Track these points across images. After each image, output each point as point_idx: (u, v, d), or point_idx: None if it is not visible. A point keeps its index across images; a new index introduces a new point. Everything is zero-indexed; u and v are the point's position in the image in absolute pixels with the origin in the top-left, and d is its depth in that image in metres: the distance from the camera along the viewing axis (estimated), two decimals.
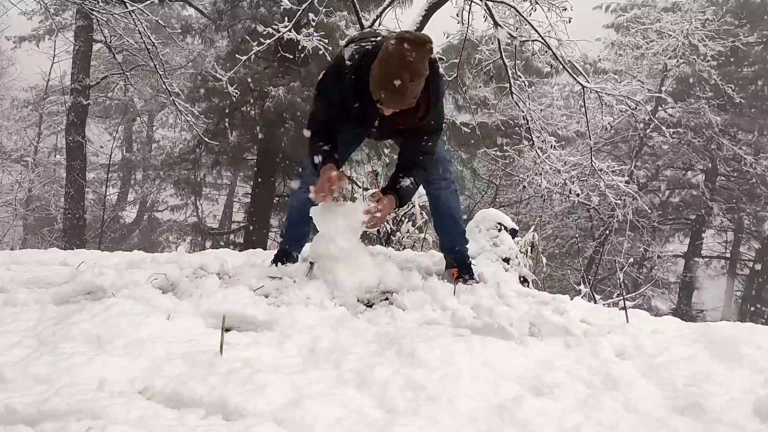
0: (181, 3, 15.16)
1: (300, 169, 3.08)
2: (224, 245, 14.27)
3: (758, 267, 18.55)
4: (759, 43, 17.05)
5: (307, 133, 2.70)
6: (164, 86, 8.35)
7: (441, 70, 2.61)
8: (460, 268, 3.04)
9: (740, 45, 16.07)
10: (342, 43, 2.97)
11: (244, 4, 13.80)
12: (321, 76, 2.66)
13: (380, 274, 2.74)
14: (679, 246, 19.71)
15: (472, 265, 3.11)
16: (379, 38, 2.65)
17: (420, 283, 2.78)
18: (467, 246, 3.15)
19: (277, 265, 2.93)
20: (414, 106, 2.48)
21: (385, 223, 5.41)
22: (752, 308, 18.18)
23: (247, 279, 2.67)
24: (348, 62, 2.54)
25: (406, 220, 5.49)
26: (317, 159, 2.61)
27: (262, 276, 2.74)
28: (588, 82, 7.79)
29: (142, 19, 7.54)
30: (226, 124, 13.80)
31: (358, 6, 6.89)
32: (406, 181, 2.69)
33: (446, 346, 1.97)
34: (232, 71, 8.15)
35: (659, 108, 16.37)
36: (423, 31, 7.37)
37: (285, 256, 3.04)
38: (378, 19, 7.31)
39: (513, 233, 3.73)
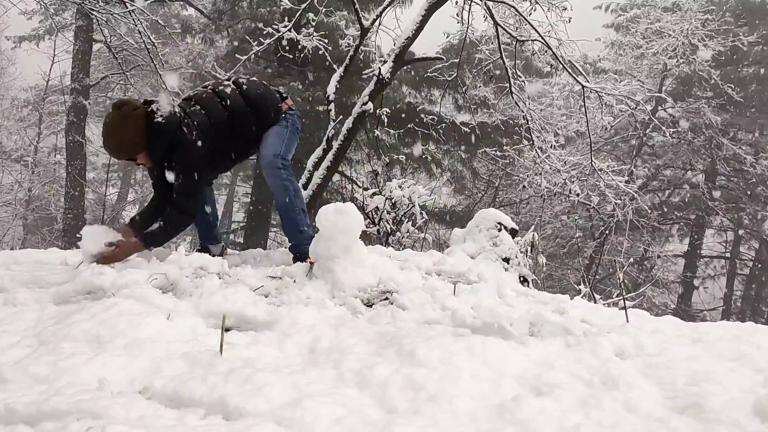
0: (181, 3, 15.15)
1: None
2: (224, 245, 14.23)
3: (758, 267, 18.55)
4: (759, 43, 17.04)
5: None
6: (164, 86, 8.34)
7: (162, 119, 2.92)
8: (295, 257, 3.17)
9: (740, 45, 16.06)
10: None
11: (244, 4, 13.79)
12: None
13: (380, 274, 2.74)
14: (679, 246, 19.70)
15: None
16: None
17: (420, 283, 2.78)
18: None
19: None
20: (137, 158, 2.95)
21: (385, 223, 5.41)
22: (752, 308, 18.17)
23: (247, 279, 2.67)
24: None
25: (406, 220, 5.49)
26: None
27: (262, 276, 2.74)
28: (588, 81, 7.79)
29: (142, 19, 7.53)
30: None
31: (358, 6, 6.88)
32: (155, 226, 3.02)
33: (446, 346, 1.97)
34: (232, 71, 8.14)
35: (659, 108, 16.36)
36: (423, 31, 7.37)
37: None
38: (378, 19, 7.30)
39: (513, 233, 3.73)
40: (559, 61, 7.32)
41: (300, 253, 3.09)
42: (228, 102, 3.11)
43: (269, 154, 3.16)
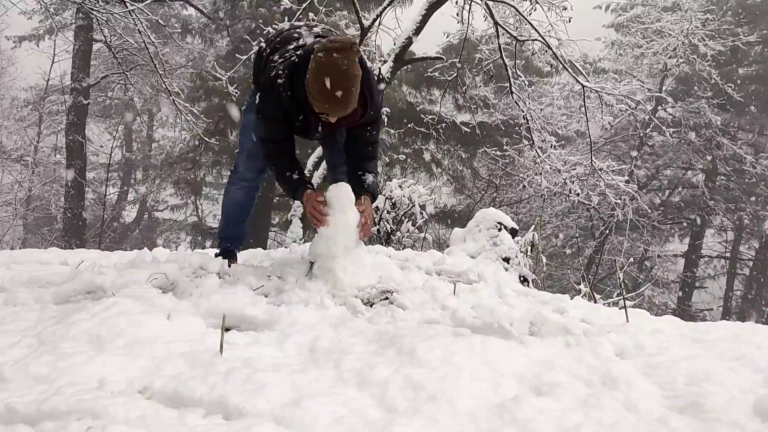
0: (181, 3, 15.16)
1: (233, 169, 3.09)
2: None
3: (758, 266, 18.55)
4: (759, 42, 17.03)
5: (266, 155, 2.73)
6: (164, 86, 8.34)
7: (367, 63, 2.61)
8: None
9: (740, 45, 16.06)
10: (260, 44, 2.92)
11: (244, 4, 13.80)
12: (258, 100, 2.64)
13: (380, 274, 2.74)
14: (679, 245, 19.70)
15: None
16: (299, 43, 2.65)
17: (420, 283, 2.78)
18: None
19: None
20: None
21: (385, 222, 5.42)
22: (752, 308, 18.17)
23: (247, 279, 2.67)
24: (279, 81, 2.52)
25: (406, 220, 5.50)
26: (293, 191, 2.69)
27: (262, 276, 2.74)
28: (588, 81, 7.79)
29: (142, 19, 7.53)
30: (226, 124, 13.80)
31: (358, 6, 6.88)
32: (369, 177, 2.73)
33: (446, 346, 1.97)
34: (232, 71, 8.15)
35: (659, 107, 16.36)
36: (423, 31, 7.38)
37: (228, 255, 3.05)
38: (378, 19, 7.31)
39: (513, 233, 3.73)
40: (559, 61, 7.33)
41: None
42: None
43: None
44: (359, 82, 2.42)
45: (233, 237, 3.13)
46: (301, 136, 2.77)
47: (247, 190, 3.06)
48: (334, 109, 2.42)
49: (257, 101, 2.64)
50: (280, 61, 2.58)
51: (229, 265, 2.86)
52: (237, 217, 3.11)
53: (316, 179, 6.68)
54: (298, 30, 2.80)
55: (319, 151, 6.92)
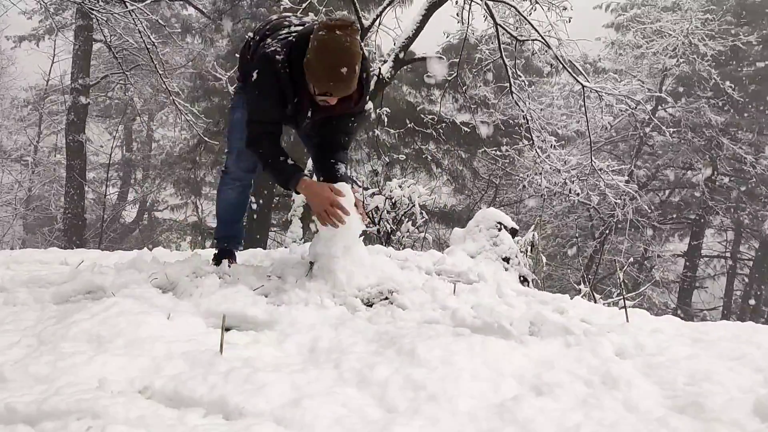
0: (181, 2, 15.16)
1: (224, 170, 3.02)
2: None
3: (758, 266, 18.55)
4: (759, 42, 17.03)
5: (252, 138, 2.62)
6: (164, 86, 8.34)
7: (364, 49, 2.55)
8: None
9: (740, 44, 16.06)
10: (248, 35, 2.86)
11: (244, 4, 13.80)
12: (255, 75, 2.55)
13: (380, 274, 2.74)
14: (679, 245, 19.70)
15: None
16: (292, 29, 2.60)
17: (420, 283, 2.78)
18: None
19: (219, 265, 2.89)
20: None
21: (385, 222, 5.42)
22: (752, 307, 18.17)
23: (247, 278, 2.67)
24: (278, 56, 2.46)
25: (406, 220, 5.50)
26: (286, 178, 2.59)
27: (262, 276, 2.74)
28: (588, 81, 7.79)
29: (142, 19, 7.53)
30: (226, 124, 13.79)
31: (358, 5, 6.88)
32: (342, 167, 2.68)
33: (446, 346, 1.97)
34: (232, 71, 8.15)
35: (659, 107, 16.36)
36: (422, 31, 7.38)
37: (227, 255, 3.02)
38: (378, 19, 7.31)
39: (513, 233, 3.73)
40: (560, 61, 7.33)
41: None
42: None
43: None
44: (360, 61, 2.38)
45: (231, 237, 3.11)
46: (290, 124, 2.73)
47: (240, 189, 3.03)
48: (338, 86, 2.36)
49: (254, 77, 2.54)
50: (275, 42, 2.53)
51: (229, 265, 2.85)
52: (232, 217, 3.08)
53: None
54: (287, 18, 2.76)
55: None
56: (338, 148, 2.71)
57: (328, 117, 2.64)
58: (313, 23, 2.54)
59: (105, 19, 7.95)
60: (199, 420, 1.56)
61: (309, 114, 2.59)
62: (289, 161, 2.59)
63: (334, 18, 2.38)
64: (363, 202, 2.64)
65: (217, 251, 3.10)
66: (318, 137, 2.76)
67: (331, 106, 2.50)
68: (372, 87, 2.55)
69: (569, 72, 7.56)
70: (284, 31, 2.59)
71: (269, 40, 2.57)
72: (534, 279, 3.77)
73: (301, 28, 2.62)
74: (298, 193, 2.64)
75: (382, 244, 4.97)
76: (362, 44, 2.58)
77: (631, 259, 15.33)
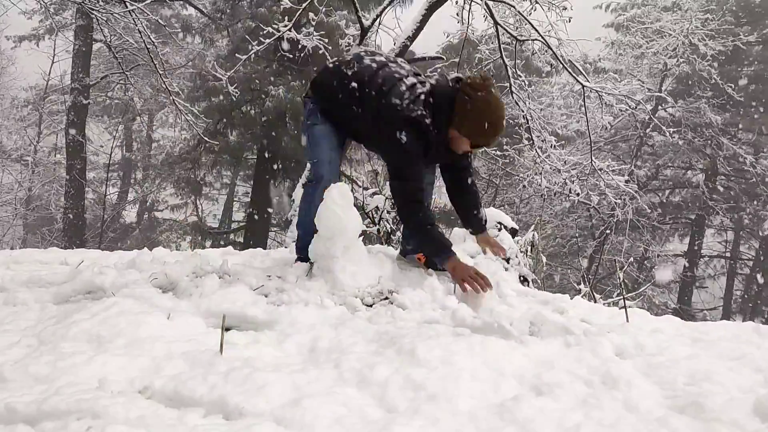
0: (181, 2, 15.16)
1: (313, 180, 2.92)
2: (224, 245, 14.29)
3: (758, 266, 18.54)
4: (759, 42, 17.03)
5: (408, 201, 2.76)
6: (164, 86, 8.34)
7: None
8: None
9: (740, 45, 16.06)
10: (339, 67, 2.88)
11: (244, 4, 13.80)
12: (405, 138, 2.64)
13: (380, 274, 2.74)
14: (679, 245, 19.70)
15: None
16: (411, 83, 2.71)
17: (420, 283, 2.78)
18: None
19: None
20: None
21: (386, 222, 5.42)
22: (752, 307, 18.17)
23: (247, 278, 2.67)
24: (426, 120, 2.64)
25: None
26: (437, 250, 2.75)
27: (262, 276, 2.74)
28: (588, 81, 7.79)
29: (142, 19, 7.53)
30: (226, 124, 13.80)
31: (358, 5, 6.88)
32: (483, 213, 3.02)
33: (446, 346, 1.97)
34: (232, 71, 8.15)
35: (659, 107, 16.36)
36: (423, 30, 7.37)
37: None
38: (378, 19, 7.30)
39: (513, 233, 3.73)
40: (559, 61, 7.33)
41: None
42: None
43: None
44: None
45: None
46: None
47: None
48: (495, 140, 2.70)
49: (404, 140, 2.64)
50: (408, 103, 2.65)
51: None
52: (312, 227, 3.04)
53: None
54: (392, 67, 2.81)
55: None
56: (470, 187, 3.00)
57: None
58: (441, 78, 2.73)
59: (105, 19, 7.96)
60: (199, 420, 1.56)
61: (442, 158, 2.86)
62: (440, 230, 2.79)
63: (479, 77, 2.62)
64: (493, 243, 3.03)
65: (298, 259, 3.00)
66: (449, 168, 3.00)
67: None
68: None
69: (569, 72, 7.55)
70: (406, 87, 2.69)
71: (395, 99, 2.66)
72: (534, 279, 3.77)
73: (423, 85, 2.74)
74: (444, 269, 2.82)
75: (382, 244, 4.96)
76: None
77: (631, 259, 15.32)
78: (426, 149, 2.68)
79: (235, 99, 11.17)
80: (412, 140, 2.65)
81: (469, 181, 3.00)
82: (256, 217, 14.15)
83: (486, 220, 3.07)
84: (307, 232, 2.96)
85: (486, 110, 2.57)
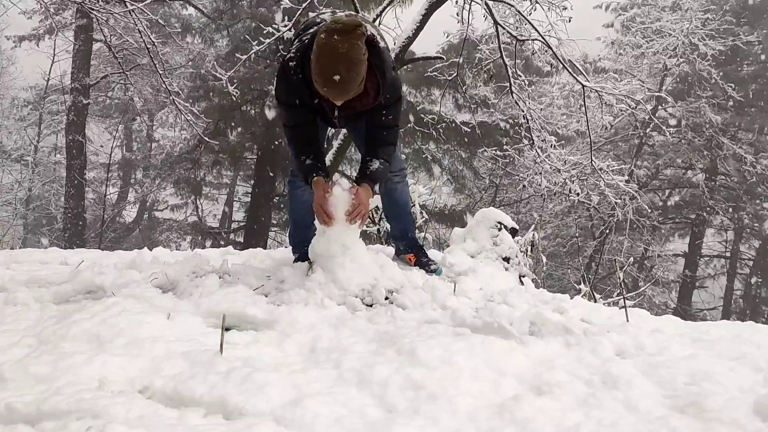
0: (181, 2, 15.16)
1: (291, 171, 3.05)
2: (224, 245, 14.28)
3: (758, 266, 18.54)
4: (759, 42, 17.03)
5: (287, 143, 2.73)
6: (164, 86, 8.33)
7: (381, 42, 2.52)
8: (416, 252, 3.13)
9: (740, 44, 16.05)
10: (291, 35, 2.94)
11: (244, 4, 13.79)
12: (275, 83, 2.62)
13: (380, 274, 2.74)
14: (679, 245, 19.70)
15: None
16: (314, 29, 2.56)
17: (420, 283, 2.78)
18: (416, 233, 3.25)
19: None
20: (364, 90, 2.44)
21: (385, 222, 5.42)
22: (752, 307, 18.17)
23: (247, 278, 2.67)
24: (291, 63, 2.50)
25: None
26: (304, 176, 2.64)
27: (262, 276, 2.74)
28: (588, 81, 7.79)
29: (142, 19, 7.52)
30: (226, 124, 13.80)
31: (358, 6, 6.88)
32: (375, 164, 2.65)
33: (446, 345, 1.97)
34: (232, 70, 8.15)
35: (659, 107, 16.35)
36: (423, 30, 7.37)
37: (306, 259, 2.92)
38: (378, 19, 7.30)
39: (513, 232, 3.73)
40: (559, 61, 7.32)
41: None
42: None
43: None
44: (360, 66, 2.33)
45: (305, 239, 2.95)
46: (324, 122, 2.77)
47: (310, 191, 3.03)
48: (332, 93, 2.35)
49: (274, 86, 2.62)
50: (297, 45, 2.55)
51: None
52: (304, 221, 2.98)
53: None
54: (321, 16, 2.75)
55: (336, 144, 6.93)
56: (379, 143, 2.68)
57: (356, 113, 2.65)
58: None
59: (105, 18, 7.94)
60: (199, 420, 1.56)
61: (335, 113, 2.60)
62: (309, 161, 2.62)
63: (337, 20, 2.33)
64: (358, 197, 2.58)
65: (297, 256, 3.01)
66: (363, 135, 2.75)
67: (354, 104, 2.50)
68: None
69: (569, 72, 7.55)
70: (311, 30, 2.57)
71: (296, 41, 2.59)
72: (534, 279, 3.77)
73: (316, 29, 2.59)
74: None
75: (382, 244, 4.96)
76: (378, 34, 2.56)
77: (631, 259, 15.31)
78: (298, 94, 2.52)
79: (235, 99, 11.16)
80: (277, 85, 2.57)
81: (383, 138, 2.67)
82: (257, 217, 14.16)
83: (377, 175, 2.67)
84: (297, 225, 3.06)
85: (317, 56, 2.29)
